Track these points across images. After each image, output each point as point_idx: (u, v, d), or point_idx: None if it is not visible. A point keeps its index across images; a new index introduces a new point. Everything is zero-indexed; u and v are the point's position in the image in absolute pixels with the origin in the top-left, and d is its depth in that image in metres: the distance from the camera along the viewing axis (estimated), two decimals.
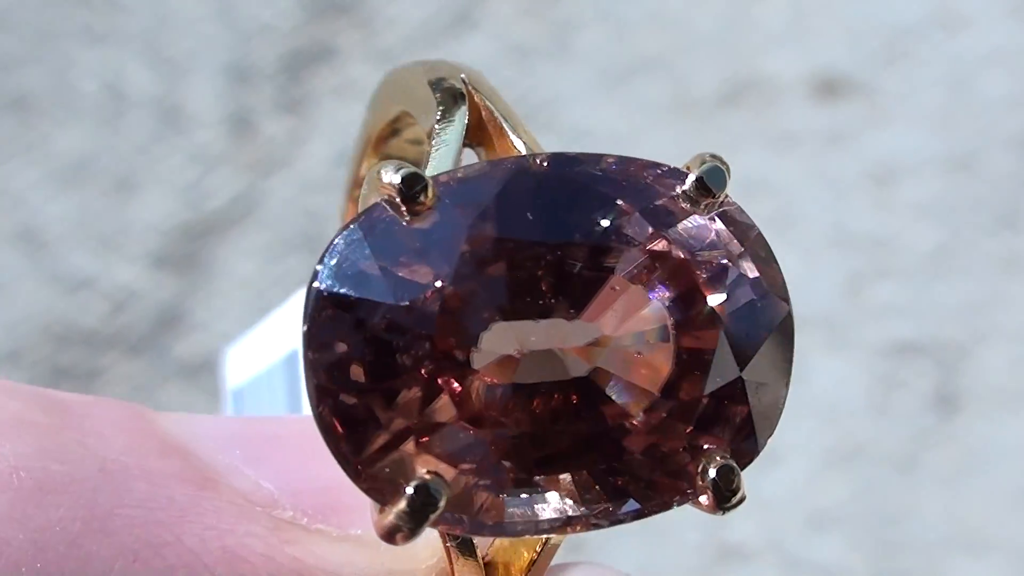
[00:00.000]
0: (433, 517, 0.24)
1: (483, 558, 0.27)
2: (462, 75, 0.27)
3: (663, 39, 1.09)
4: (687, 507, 0.26)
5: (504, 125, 0.27)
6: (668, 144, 1.03)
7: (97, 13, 1.09)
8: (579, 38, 1.09)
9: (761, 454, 0.26)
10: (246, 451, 0.27)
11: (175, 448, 0.26)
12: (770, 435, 0.25)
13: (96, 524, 0.24)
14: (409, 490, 0.24)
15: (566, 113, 1.05)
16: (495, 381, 0.24)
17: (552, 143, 0.33)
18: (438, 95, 0.27)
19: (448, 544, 0.26)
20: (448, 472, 0.24)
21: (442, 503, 0.24)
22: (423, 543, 0.26)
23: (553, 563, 0.27)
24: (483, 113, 0.27)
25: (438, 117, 0.27)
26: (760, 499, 0.89)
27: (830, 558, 0.89)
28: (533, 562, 0.26)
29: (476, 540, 0.26)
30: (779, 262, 0.26)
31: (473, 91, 0.27)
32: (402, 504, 0.24)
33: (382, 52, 1.08)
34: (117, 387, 0.95)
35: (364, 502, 0.25)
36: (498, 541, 0.27)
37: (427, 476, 0.24)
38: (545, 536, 0.26)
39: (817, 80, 1.07)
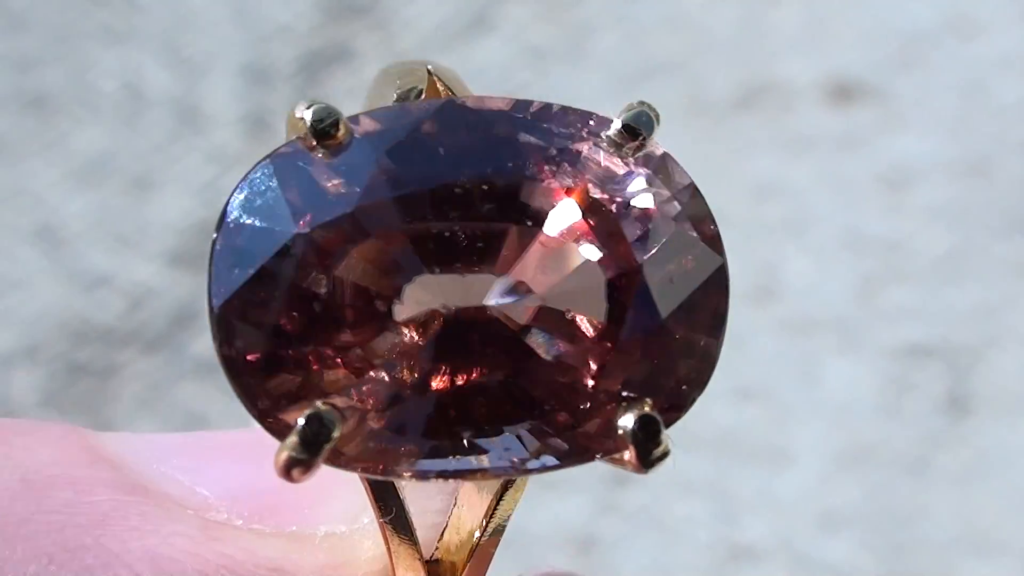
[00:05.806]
0: (328, 448, 0.23)
1: (430, 556, 0.26)
2: (428, 65, 0.27)
3: (678, 43, 1.09)
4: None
5: None
6: (682, 147, 1.03)
7: (116, 13, 1.10)
8: (595, 41, 1.09)
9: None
10: (183, 461, 0.27)
11: (106, 460, 0.26)
12: (700, 391, 0.24)
13: (10, 530, 0.24)
14: (301, 420, 0.23)
15: None
16: (418, 336, 0.23)
17: None
18: (398, 81, 0.27)
19: (381, 520, 0.25)
20: (343, 403, 0.23)
21: (336, 432, 0.23)
22: (362, 536, 0.26)
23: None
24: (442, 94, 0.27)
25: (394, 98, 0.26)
26: (771, 499, 0.89)
27: (841, 559, 0.89)
28: (473, 551, 0.26)
29: (421, 537, 0.25)
30: (716, 222, 0.25)
31: (437, 79, 0.27)
32: (295, 435, 0.23)
33: (399, 54, 1.09)
34: (133, 384, 0.95)
35: (302, 503, 0.25)
36: (447, 538, 0.26)
37: (321, 406, 0.23)
38: (480, 532, 0.25)
39: (831, 84, 1.07)
